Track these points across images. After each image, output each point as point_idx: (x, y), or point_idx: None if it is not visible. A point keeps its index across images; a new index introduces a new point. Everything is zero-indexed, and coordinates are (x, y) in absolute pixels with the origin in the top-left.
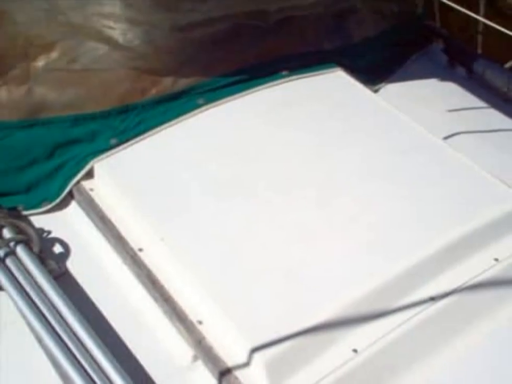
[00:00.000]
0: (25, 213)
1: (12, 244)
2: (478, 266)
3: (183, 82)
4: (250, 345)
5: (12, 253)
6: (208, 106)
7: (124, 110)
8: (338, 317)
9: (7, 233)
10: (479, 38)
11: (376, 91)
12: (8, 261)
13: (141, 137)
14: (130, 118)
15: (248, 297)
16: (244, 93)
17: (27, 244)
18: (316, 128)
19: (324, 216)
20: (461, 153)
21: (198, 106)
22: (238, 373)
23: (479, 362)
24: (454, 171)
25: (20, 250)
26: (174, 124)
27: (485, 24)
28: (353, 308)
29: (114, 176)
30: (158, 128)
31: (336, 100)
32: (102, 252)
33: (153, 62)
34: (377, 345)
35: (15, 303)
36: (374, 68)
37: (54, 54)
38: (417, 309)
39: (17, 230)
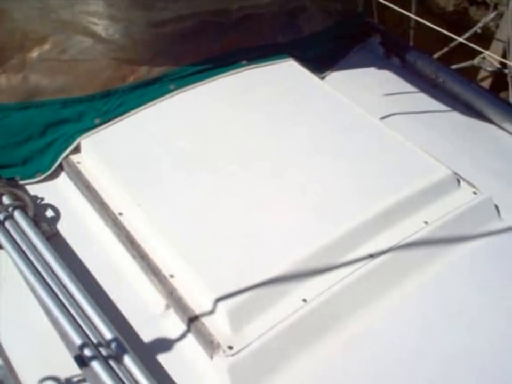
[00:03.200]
0: (21, 182)
1: (10, 209)
2: (410, 228)
3: (157, 71)
4: (214, 296)
5: (10, 217)
6: (179, 91)
7: (106, 94)
8: (290, 272)
9: (6, 200)
10: (411, 33)
11: (322, 78)
12: (7, 224)
13: (121, 117)
14: (112, 101)
15: (212, 254)
16: (209, 79)
17: (23, 209)
18: (271, 110)
19: (277, 186)
20: (396, 132)
21: (170, 91)
22: (204, 320)
23: (412, 310)
24: (389, 147)
25: (17, 215)
26: (149, 106)
27: (416, 21)
28: (303, 263)
29: (98, 151)
30: (136, 110)
31: (288, 85)
32: (87, 216)
33: (132, 53)
34: (324, 296)
35: (13, 260)
36: (321, 58)
37: (46, 46)
38: (358, 264)
39: (15, 197)
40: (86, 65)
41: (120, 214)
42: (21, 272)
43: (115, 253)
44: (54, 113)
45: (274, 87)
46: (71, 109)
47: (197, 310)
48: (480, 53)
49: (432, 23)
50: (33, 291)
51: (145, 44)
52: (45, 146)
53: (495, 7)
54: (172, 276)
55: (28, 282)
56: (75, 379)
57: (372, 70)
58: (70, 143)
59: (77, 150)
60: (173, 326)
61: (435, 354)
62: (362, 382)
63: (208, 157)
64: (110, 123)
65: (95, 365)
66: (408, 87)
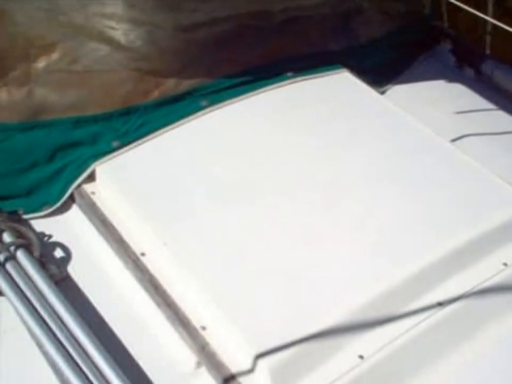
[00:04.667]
0: (25, 216)
1: (12, 248)
2: (486, 271)
3: (186, 84)
4: (254, 352)
5: (12, 257)
6: (212, 108)
7: (126, 112)
8: (344, 323)
9: (7, 237)
10: (488, 39)
11: (382, 92)
12: (8, 266)
13: (144, 139)
14: (133, 120)
15: (252, 302)
16: (248, 94)
17: (27, 248)
18: (322, 130)
19: (330, 219)
20: (469, 156)
21: (202, 108)
22: (242, 380)
23: (487, 368)
24: (462, 173)
25: (20, 255)
26: (177, 126)
27: (493, 25)
28: (359, 313)
29: (116, 179)
30: (161, 131)
31: (342, 101)
32: (103, 256)
33: (156, 63)
34: (383, 352)
35: (16, 309)
36: (381, 69)
37: (55, 55)
38: (425, 314)
39: (18, 234)
40: (102, 77)
41: (143, 254)
42: (25, 322)
43: (136, 300)
44: (64, 134)
45: (325, 103)
46: (84, 129)
47: (233, 368)
48: None
49: None
50: (39, 346)
51: (173, 51)
52: (53, 173)
53: None
54: (203, 328)
55: (32, 335)
56: None
57: (441, 83)
58: (83, 170)
59: (91, 178)
60: None
61: None
62: None
63: (247, 184)
64: (130, 146)
65: None
66: (484, 103)
